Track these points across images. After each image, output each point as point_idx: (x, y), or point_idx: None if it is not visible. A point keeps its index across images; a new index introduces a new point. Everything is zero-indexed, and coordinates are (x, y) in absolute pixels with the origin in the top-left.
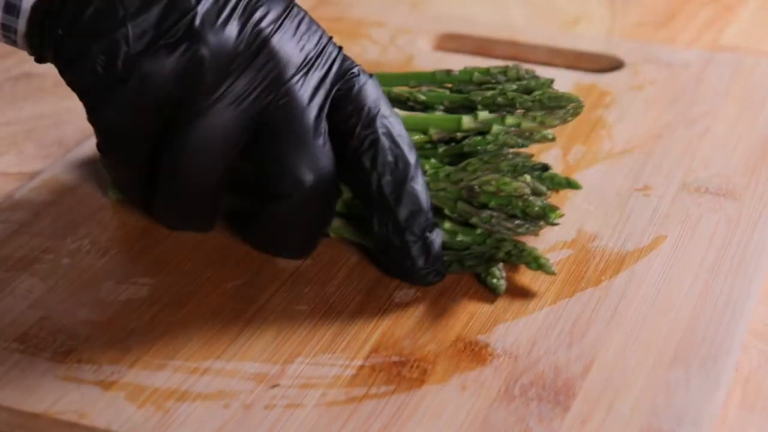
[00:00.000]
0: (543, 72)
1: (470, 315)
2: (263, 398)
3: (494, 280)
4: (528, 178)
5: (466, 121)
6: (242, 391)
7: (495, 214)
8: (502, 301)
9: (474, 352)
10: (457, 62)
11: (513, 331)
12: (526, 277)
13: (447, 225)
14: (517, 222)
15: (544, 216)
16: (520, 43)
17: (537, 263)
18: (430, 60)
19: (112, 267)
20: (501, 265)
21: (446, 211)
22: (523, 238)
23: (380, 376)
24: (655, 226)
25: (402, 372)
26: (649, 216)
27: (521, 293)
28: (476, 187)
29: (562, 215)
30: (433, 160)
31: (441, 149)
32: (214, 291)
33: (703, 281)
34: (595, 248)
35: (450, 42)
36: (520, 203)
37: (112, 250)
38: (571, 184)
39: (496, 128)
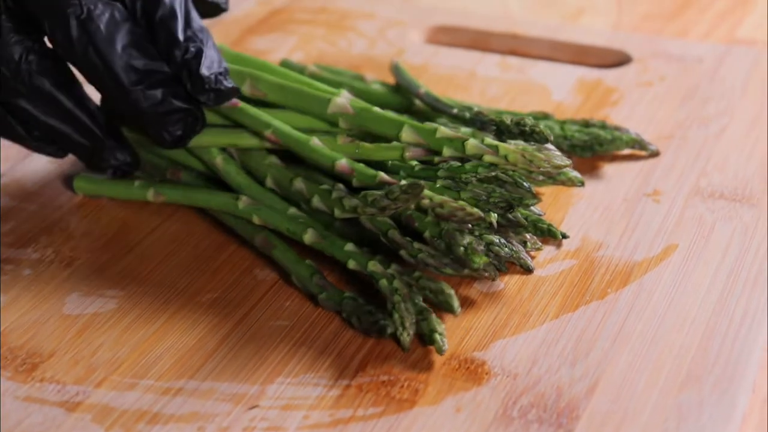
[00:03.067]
0: (544, 68)
1: (465, 330)
2: (241, 421)
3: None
4: (497, 240)
5: (408, 131)
6: (218, 414)
7: (424, 248)
8: (500, 315)
9: (469, 371)
10: (452, 57)
11: (512, 348)
12: (526, 289)
13: (373, 265)
14: (444, 261)
15: (466, 261)
16: (519, 36)
17: (430, 338)
18: (421, 54)
19: (78, 278)
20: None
21: (382, 238)
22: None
23: (367, 396)
24: (666, 235)
25: (391, 392)
26: (659, 223)
27: (521, 307)
28: (420, 211)
29: (486, 261)
30: (402, 173)
31: (416, 168)
32: (187, 304)
33: (718, 294)
34: (600, 258)
35: (443, 35)
36: (446, 239)
37: (78, 260)
38: (553, 233)
39: (471, 143)
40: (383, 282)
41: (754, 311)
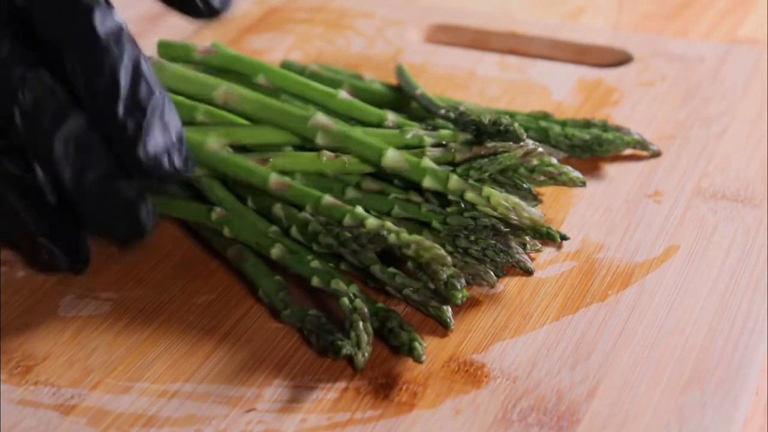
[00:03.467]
0: (544, 67)
1: (465, 332)
2: (238, 424)
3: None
4: (493, 244)
5: (390, 157)
6: (215, 416)
7: (408, 282)
8: (500, 317)
9: (469, 374)
10: (451, 56)
11: (512, 350)
12: (526, 291)
13: (335, 283)
14: (428, 295)
15: (447, 297)
16: (518, 36)
17: (409, 347)
18: (420, 53)
19: (72, 280)
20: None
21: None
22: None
23: (366, 399)
24: (667, 236)
25: (390, 395)
26: (660, 224)
27: (521, 309)
28: (396, 246)
29: (466, 297)
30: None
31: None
32: (183, 306)
33: (720, 296)
34: (601, 260)
35: (442, 34)
36: (427, 273)
37: None
38: (551, 237)
39: (454, 179)
40: (343, 300)
41: (757, 313)
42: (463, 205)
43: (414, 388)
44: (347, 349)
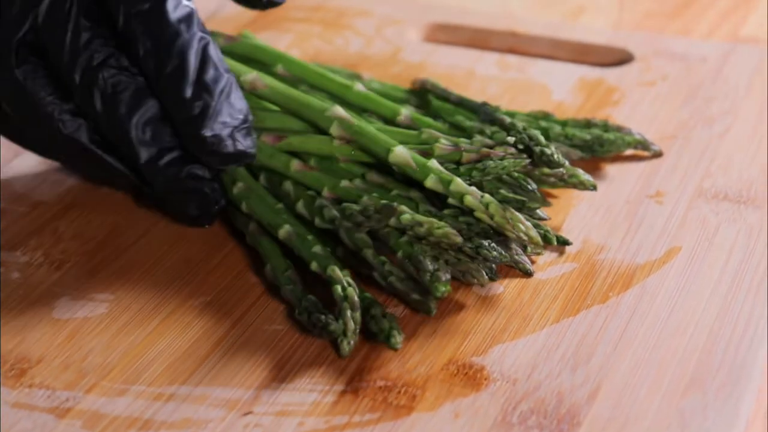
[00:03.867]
0: (544, 67)
1: (464, 335)
2: (235, 427)
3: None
4: (486, 244)
5: (397, 154)
6: (211, 420)
7: (395, 270)
8: (499, 319)
9: (468, 376)
10: (450, 55)
11: (511, 352)
12: (526, 292)
13: (331, 270)
14: (411, 286)
15: (430, 290)
16: (519, 35)
17: (387, 334)
18: (419, 53)
19: (68, 281)
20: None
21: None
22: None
23: (364, 402)
24: (669, 237)
25: (388, 398)
26: (661, 225)
27: (521, 311)
28: (408, 225)
29: (448, 291)
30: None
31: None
32: (179, 308)
33: (722, 298)
34: (602, 261)
35: (441, 33)
36: (413, 263)
37: (68, 262)
38: (548, 240)
39: (456, 182)
40: (336, 288)
41: (759, 315)
42: (462, 210)
43: (413, 391)
44: (334, 326)
